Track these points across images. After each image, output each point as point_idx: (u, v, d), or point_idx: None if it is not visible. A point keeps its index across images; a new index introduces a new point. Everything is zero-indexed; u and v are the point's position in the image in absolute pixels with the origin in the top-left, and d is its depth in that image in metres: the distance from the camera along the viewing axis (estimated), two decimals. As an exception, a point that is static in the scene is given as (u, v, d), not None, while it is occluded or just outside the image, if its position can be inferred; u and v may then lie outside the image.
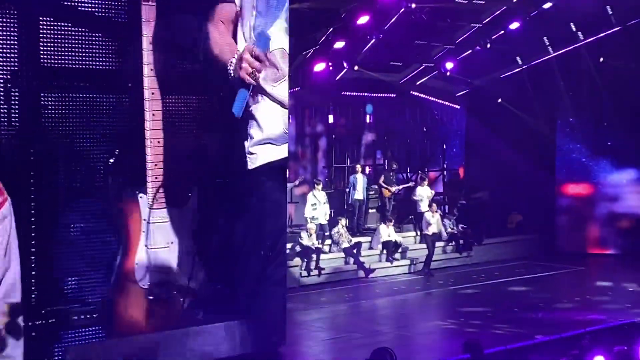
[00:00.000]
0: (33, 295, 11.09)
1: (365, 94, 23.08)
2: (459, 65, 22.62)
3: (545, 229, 23.74)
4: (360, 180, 21.38)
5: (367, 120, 23.78)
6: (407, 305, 17.68)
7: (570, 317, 15.88)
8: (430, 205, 21.13)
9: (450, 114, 24.91)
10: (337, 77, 21.77)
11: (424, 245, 21.23)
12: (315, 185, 20.33)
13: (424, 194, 21.66)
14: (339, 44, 20.11)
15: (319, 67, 21.15)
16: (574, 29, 22.09)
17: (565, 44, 22.41)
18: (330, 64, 21.16)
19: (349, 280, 19.47)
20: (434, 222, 20.61)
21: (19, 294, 5.54)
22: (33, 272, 11.08)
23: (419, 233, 21.76)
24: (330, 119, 22.91)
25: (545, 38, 22.44)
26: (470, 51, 22.11)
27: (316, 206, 19.92)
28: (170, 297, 12.34)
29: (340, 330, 15.40)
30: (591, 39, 22.05)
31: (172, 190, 12.15)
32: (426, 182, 22.10)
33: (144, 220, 11.93)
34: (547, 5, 20.26)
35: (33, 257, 11.01)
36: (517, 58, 23.07)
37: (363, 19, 19.19)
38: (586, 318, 15.44)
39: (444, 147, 24.57)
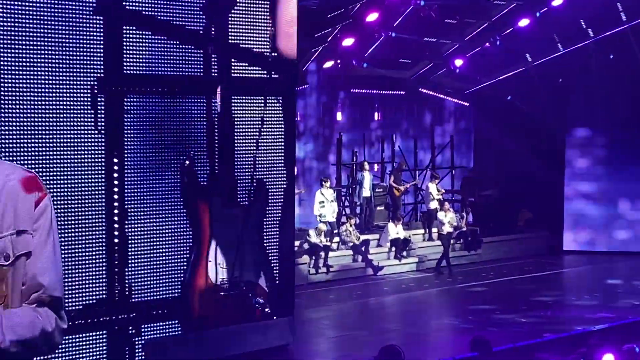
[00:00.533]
0: (116, 291, 11.86)
1: (374, 91, 23.10)
2: (468, 63, 22.64)
3: (555, 226, 23.73)
4: (367, 177, 21.40)
5: (376, 118, 23.79)
6: (416, 303, 17.72)
7: (579, 315, 15.90)
8: (442, 204, 21.15)
9: (460, 112, 24.94)
10: (346, 74, 21.82)
11: (433, 243, 21.31)
12: (323, 183, 20.33)
13: (434, 192, 21.70)
14: (348, 42, 20.16)
15: (328, 64, 21.23)
16: (584, 25, 22.08)
17: (575, 41, 22.40)
18: (338, 61, 21.23)
19: (358, 278, 19.50)
20: (447, 221, 20.63)
21: (60, 286, 5.69)
22: (116, 269, 11.84)
23: (427, 231, 21.80)
24: (339, 116, 22.93)
25: (555, 35, 22.42)
26: (479, 48, 22.13)
27: (324, 204, 19.93)
28: (239, 293, 12.95)
29: (348, 328, 15.44)
30: (601, 36, 22.04)
31: (241, 190, 12.92)
32: (437, 181, 22.11)
33: (214, 216, 12.65)
34: (557, 3, 20.26)
35: (116, 255, 11.79)
36: (527, 55, 23.06)
37: (372, 16, 19.24)
38: (595, 316, 15.45)
39: (453, 144, 24.53)
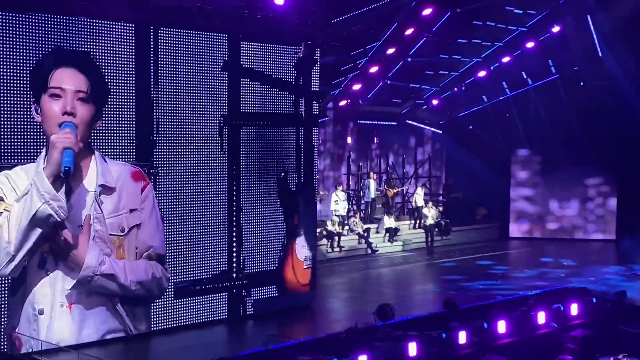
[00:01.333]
0: (234, 264, 12.21)
1: (374, 122, 23.07)
2: (442, 102, 22.64)
3: (503, 219, 23.66)
4: (372, 184, 21.41)
5: (375, 141, 23.76)
6: (403, 274, 17.67)
7: (521, 283, 15.81)
8: (427, 203, 21.07)
9: (435, 137, 24.87)
10: (354, 110, 21.83)
11: (415, 231, 21.26)
12: (337, 187, 20.36)
13: (421, 194, 21.68)
14: (356, 87, 20.21)
15: (342, 102, 21.27)
16: (524, 76, 22.09)
17: (518, 87, 22.44)
18: (349, 100, 21.27)
19: (361, 256, 19.47)
20: (430, 215, 20.53)
21: (163, 247, 6.04)
22: (234, 249, 12.21)
23: (413, 222, 21.74)
24: (349, 140, 22.93)
25: (503, 82, 22.41)
26: (449, 92, 22.12)
27: (338, 202, 19.95)
28: (313, 266, 13.37)
29: (355, 291, 15.41)
30: (537, 84, 22.07)
31: (310, 192, 13.39)
32: (425, 189, 22.10)
33: (300, 212, 13.04)
34: (505, 60, 20.30)
35: (234, 238, 12.17)
36: (484, 97, 23.05)
37: (373, 69, 19.29)
38: (533, 284, 15.36)
39: (430, 160, 24.50)
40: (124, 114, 10.85)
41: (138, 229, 4.55)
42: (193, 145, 11.66)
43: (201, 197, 11.86)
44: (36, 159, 7.95)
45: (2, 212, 7.76)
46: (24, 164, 8.47)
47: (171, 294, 11.37)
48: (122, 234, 4.34)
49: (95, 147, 9.95)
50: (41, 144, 9.08)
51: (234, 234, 12.25)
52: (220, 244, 12.13)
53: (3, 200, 7.99)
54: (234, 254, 12.30)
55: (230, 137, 12.10)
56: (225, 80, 11.98)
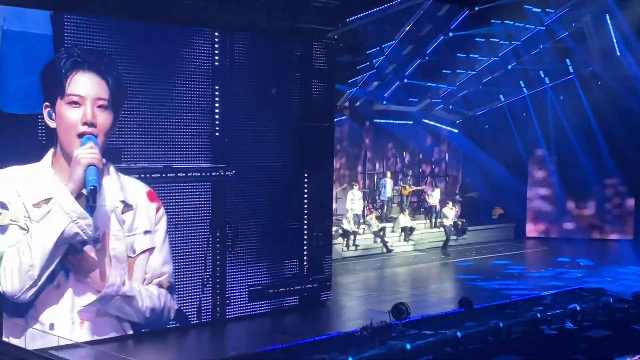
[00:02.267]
0: (305, 270, 12.59)
1: (390, 121, 23.02)
2: (459, 101, 22.55)
3: (519, 219, 23.55)
4: (389, 183, 21.40)
5: (391, 140, 23.70)
6: (418, 273, 17.64)
7: (536, 283, 15.75)
8: (447, 203, 20.94)
9: (452, 136, 24.77)
10: (370, 109, 21.79)
11: (430, 230, 21.19)
12: (353, 185, 20.37)
13: (435, 195, 21.61)
14: (372, 85, 20.17)
15: (359, 101, 21.25)
16: (542, 75, 21.97)
17: (536, 86, 22.32)
18: (366, 99, 21.23)
19: (377, 254, 19.45)
20: (450, 216, 20.37)
21: (171, 269, 5.72)
22: (305, 257, 12.57)
23: (427, 221, 21.67)
24: (365, 139, 22.89)
25: (521, 82, 22.30)
26: (466, 91, 22.02)
27: (354, 201, 19.95)
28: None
29: (370, 289, 15.42)
30: (554, 83, 21.95)
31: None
32: (439, 189, 22.04)
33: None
34: (524, 58, 20.24)
35: (305, 244, 12.56)
36: (500, 96, 22.93)
37: (390, 68, 19.24)
38: (548, 284, 15.30)
39: (446, 160, 24.40)
40: (202, 117, 11.13)
41: (150, 254, 4.44)
42: (266, 148, 11.97)
43: (275, 198, 12.12)
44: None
45: (9, 225, 7.56)
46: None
47: (245, 297, 11.59)
48: (132, 255, 4.25)
49: (173, 149, 10.25)
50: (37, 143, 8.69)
51: (305, 240, 12.41)
52: (293, 246, 12.42)
53: (7, 208, 7.76)
54: (305, 258, 12.49)
55: (301, 137, 12.34)
56: (299, 82, 12.31)
